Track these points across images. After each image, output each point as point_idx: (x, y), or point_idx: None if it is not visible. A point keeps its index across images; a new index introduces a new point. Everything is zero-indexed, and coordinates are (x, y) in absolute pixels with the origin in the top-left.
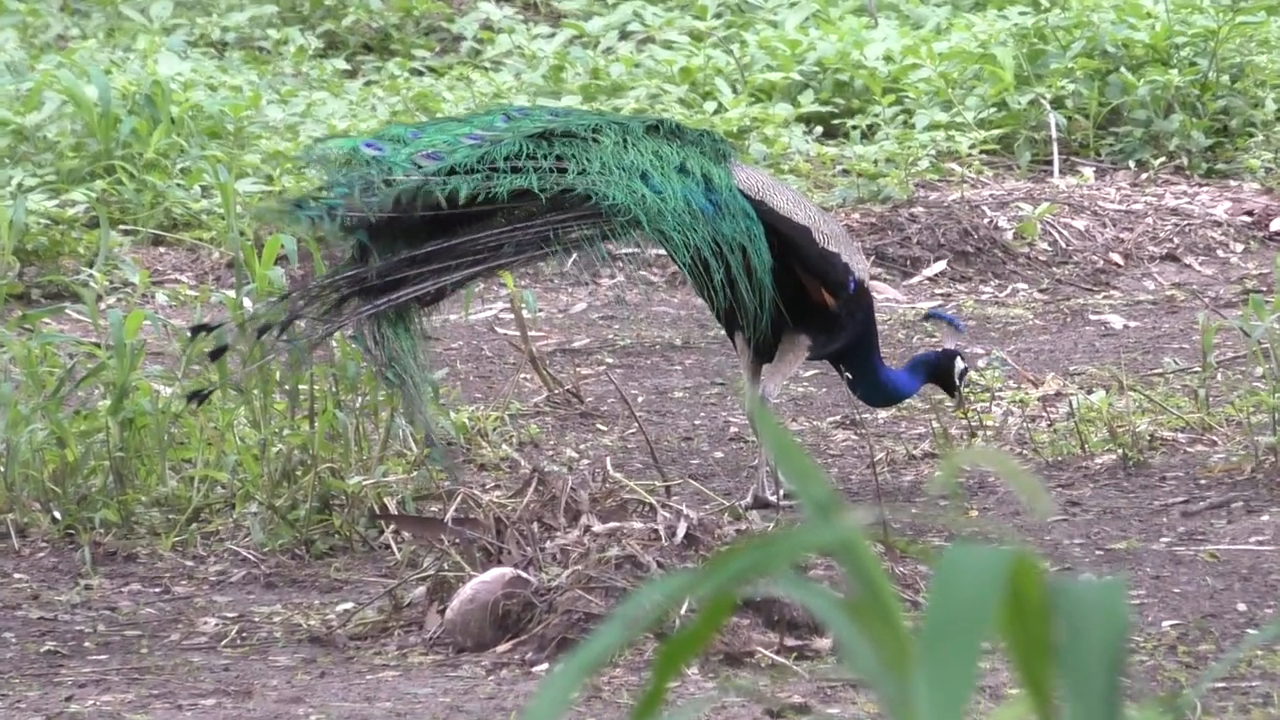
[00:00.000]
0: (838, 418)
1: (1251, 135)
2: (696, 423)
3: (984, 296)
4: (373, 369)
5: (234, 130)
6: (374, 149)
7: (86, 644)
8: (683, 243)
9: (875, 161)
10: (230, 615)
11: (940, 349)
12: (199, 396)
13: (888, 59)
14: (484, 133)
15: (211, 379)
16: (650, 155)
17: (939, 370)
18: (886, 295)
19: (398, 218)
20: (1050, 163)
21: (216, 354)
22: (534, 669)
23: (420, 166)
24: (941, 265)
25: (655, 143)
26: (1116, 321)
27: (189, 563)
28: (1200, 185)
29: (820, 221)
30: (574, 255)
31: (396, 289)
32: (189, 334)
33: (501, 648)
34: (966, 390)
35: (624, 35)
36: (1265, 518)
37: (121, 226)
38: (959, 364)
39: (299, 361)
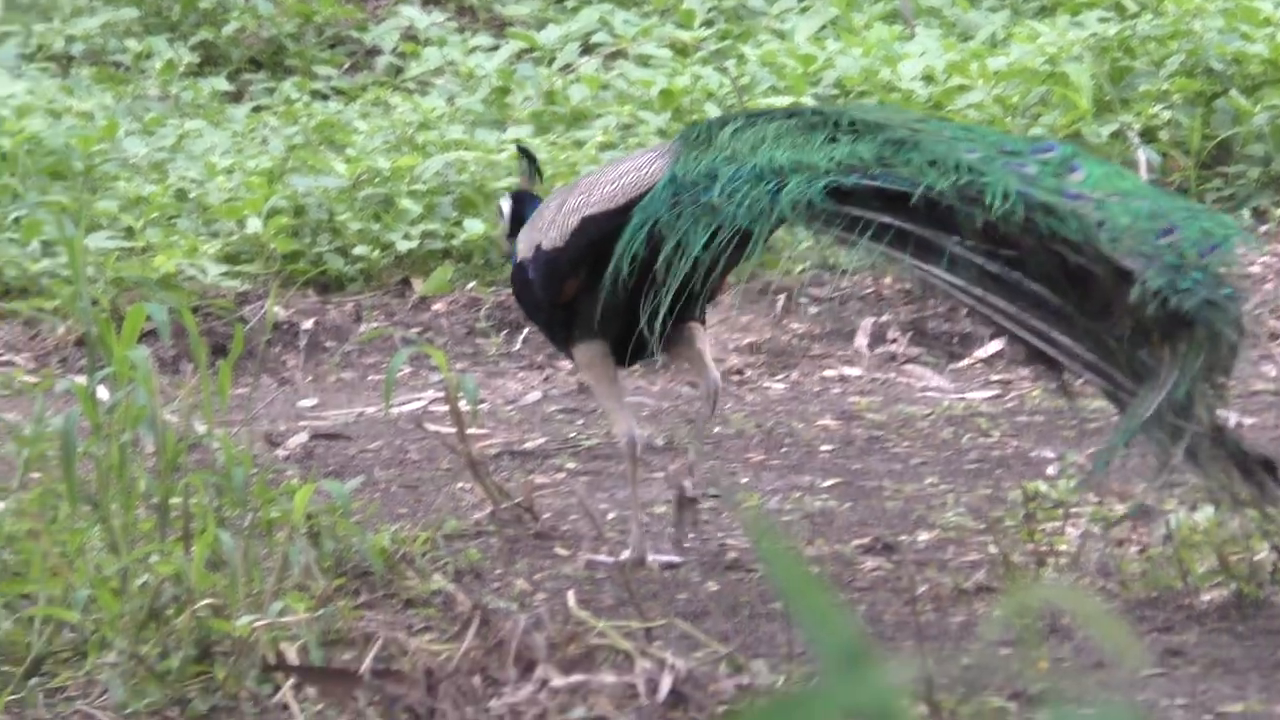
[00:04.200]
0: (866, 540)
1: None
2: (684, 545)
3: (1054, 383)
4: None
5: (83, 169)
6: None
7: None
8: None
9: None
10: None
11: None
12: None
13: (928, 79)
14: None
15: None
16: None
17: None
18: (929, 383)
19: None
20: None
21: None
22: None
23: None
24: (998, 344)
25: None
26: (1228, 417)
27: None
28: None
29: None
30: None
31: None
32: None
33: None
34: (1033, 506)
35: (587, 49)
36: None
37: None
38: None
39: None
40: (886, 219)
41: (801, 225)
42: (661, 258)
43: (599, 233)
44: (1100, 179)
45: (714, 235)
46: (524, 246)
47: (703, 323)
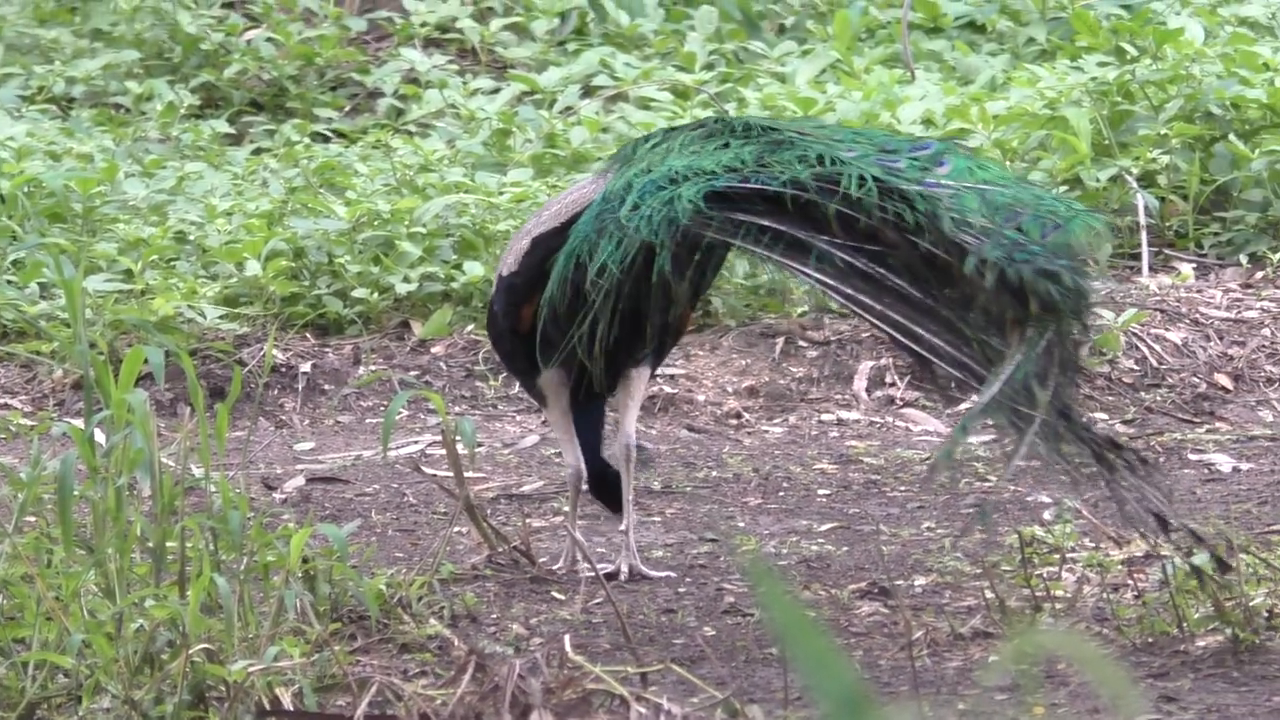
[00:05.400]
0: (862, 584)
1: None
2: (681, 590)
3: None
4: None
5: (82, 211)
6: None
7: None
8: None
9: None
10: None
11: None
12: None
13: (928, 122)
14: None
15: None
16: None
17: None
18: (926, 427)
19: None
20: (1138, 257)
21: None
22: None
23: None
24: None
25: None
26: (1224, 462)
27: None
28: None
29: None
30: None
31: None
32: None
33: None
34: (1030, 552)
35: (587, 91)
36: None
37: None
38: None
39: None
40: (764, 221)
41: (703, 236)
42: (589, 280)
43: (547, 252)
44: (963, 172)
45: (624, 252)
46: (495, 281)
47: (654, 368)
